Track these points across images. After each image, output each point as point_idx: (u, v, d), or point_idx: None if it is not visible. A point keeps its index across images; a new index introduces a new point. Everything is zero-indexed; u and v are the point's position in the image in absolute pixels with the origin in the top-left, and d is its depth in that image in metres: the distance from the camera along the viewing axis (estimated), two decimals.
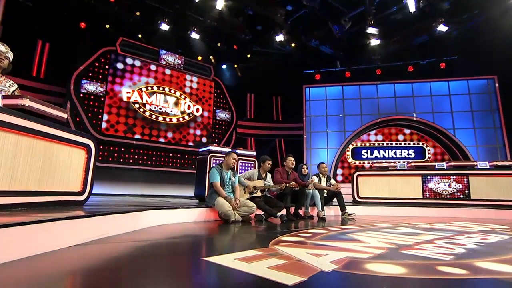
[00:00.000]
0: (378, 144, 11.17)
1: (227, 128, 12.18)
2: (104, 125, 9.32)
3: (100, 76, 9.46)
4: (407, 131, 11.17)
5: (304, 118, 11.93)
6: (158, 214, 3.51)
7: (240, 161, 6.42)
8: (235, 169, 4.63)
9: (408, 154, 10.88)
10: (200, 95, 11.66)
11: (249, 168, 6.39)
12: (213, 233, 3.17)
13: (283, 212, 4.47)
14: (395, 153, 10.97)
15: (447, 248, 2.26)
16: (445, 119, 10.92)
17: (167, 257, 1.89)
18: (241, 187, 4.51)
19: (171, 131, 10.70)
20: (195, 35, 10.25)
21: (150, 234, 2.81)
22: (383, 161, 10.70)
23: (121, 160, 9.56)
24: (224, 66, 12.92)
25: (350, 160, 11.20)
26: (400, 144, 11.07)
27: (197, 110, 11.40)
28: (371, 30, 9.53)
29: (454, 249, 2.21)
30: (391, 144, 11.13)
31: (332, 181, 5.63)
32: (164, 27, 9.62)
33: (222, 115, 12.17)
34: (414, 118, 10.96)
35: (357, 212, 5.88)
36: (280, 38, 10.32)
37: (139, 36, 10.59)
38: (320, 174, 5.55)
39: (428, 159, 10.65)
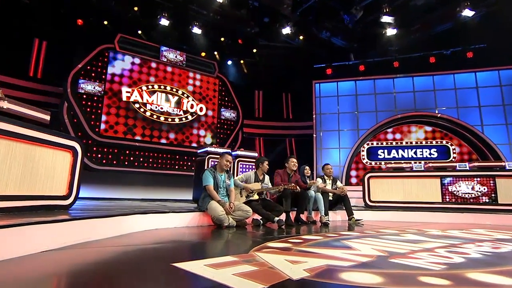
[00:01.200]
0: (396, 143, 10.91)
1: (233, 128, 12.25)
2: (102, 126, 9.58)
3: (98, 75, 9.73)
4: (428, 128, 10.84)
5: (314, 116, 11.85)
6: (146, 218, 3.60)
7: (240, 162, 6.49)
8: (231, 171, 4.67)
9: (430, 154, 10.56)
10: (204, 93, 11.80)
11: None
12: (201, 238, 3.23)
13: (283, 216, 4.47)
14: (415, 152, 10.68)
15: (445, 257, 2.22)
16: (471, 114, 10.55)
17: (136, 263, 1.95)
18: (237, 190, 4.55)
19: (173, 131, 10.88)
20: (197, 30, 10.38)
21: (134, 239, 2.90)
22: (402, 161, 10.45)
23: (121, 162, 9.79)
24: (229, 62, 13.00)
25: (366, 160, 11.02)
26: (421, 143, 10.77)
27: (201, 109, 11.53)
28: (386, 18, 9.37)
29: (452, 259, 2.17)
30: (411, 143, 10.85)
31: (338, 183, 5.58)
32: (164, 22, 9.80)
33: (228, 114, 12.26)
34: (437, 115, 10.64)
35: (368, 217, 5.81)
36: (287, 30, 10.29)
37: (139, 32, 10.83)
38: (325, 176, 5.52)
39: (454, 159, 10.31)
